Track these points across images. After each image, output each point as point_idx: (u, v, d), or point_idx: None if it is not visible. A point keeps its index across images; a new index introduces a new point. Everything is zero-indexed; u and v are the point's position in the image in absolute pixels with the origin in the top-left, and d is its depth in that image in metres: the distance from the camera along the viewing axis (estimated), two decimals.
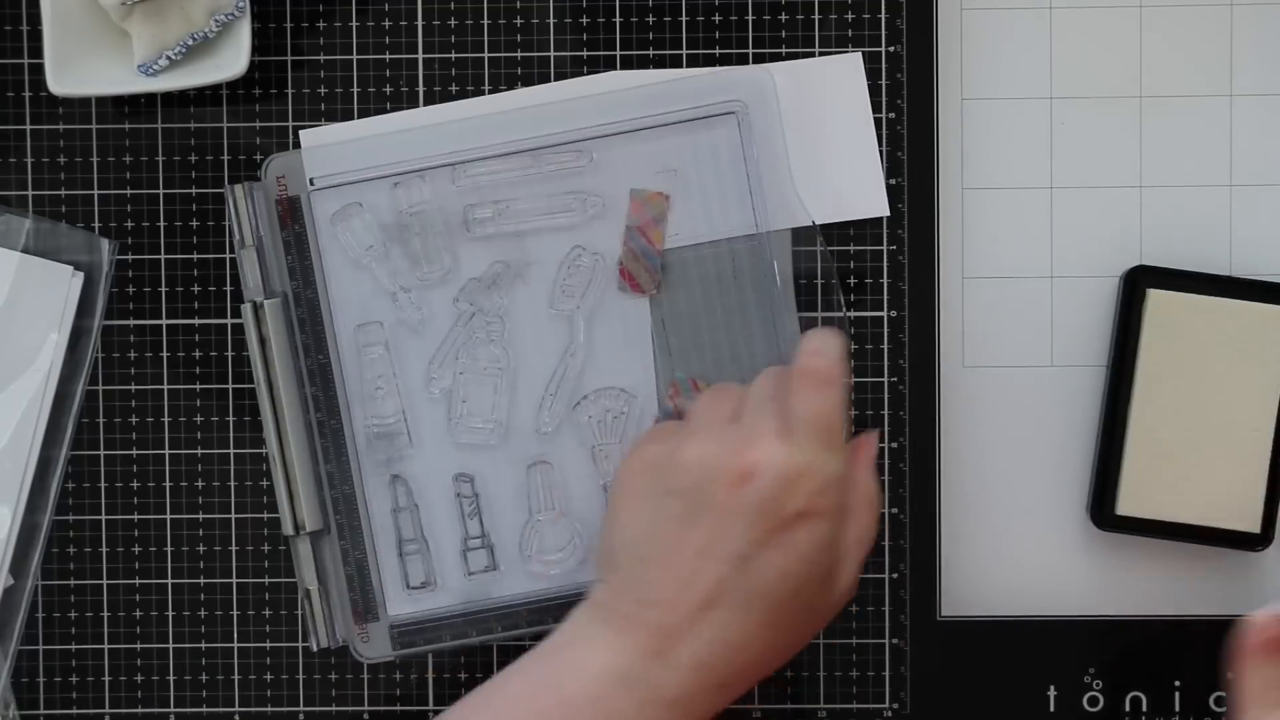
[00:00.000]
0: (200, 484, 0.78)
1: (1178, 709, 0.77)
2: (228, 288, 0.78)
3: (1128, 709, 0.77)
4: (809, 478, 0.64)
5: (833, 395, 0.66)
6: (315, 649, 0.76)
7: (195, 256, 0.78)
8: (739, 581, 0.64)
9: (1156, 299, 0.75)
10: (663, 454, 0.67)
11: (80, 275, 0.77)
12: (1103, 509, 0.76)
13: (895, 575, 0.77)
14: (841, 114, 0.77)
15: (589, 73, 0.78)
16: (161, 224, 0.78)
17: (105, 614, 0.78)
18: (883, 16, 0.77)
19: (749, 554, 0.64)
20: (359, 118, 0.78)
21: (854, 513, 0.67)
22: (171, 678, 0.78)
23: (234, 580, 0.78)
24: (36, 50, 0.77)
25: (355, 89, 0.78)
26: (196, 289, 0.78)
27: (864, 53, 0.77)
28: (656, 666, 0.64)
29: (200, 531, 0.78)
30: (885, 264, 0.77)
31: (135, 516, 0.78)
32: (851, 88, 0.77)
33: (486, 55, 0.78)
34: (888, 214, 0.77)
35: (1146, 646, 0.77)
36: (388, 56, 0.78)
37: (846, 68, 0.77)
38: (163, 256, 0.78)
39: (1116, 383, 0.76)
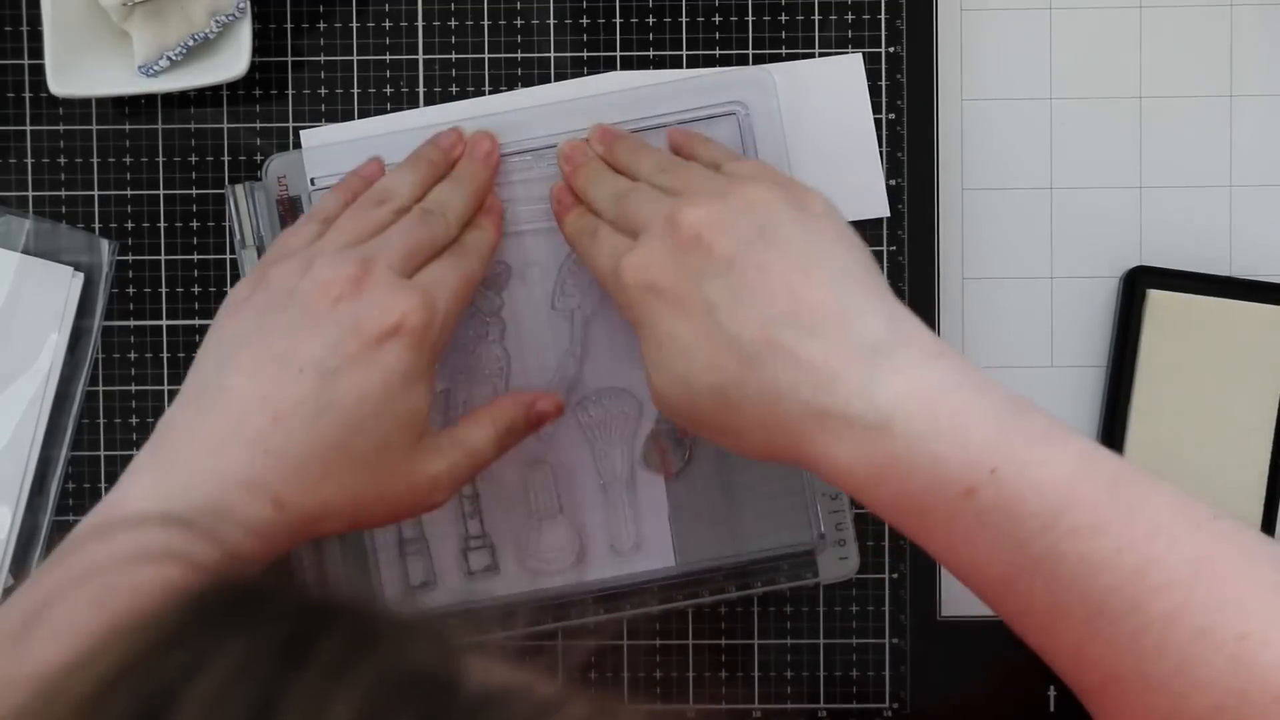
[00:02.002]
0: None
1: None
2: (228, 288, 0.78)
3: None
4: (411, 301, 0.65)
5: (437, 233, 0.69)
6: None
7: (195, 256, 0.78)
8: (314, 391, 0.63)
9: (1156, 299, 0.75)
10: (285, 274, 0.66)
11: (80, 275, 0.77)
12: None
13: (895, 575, 0.77)
14: (841, 114, 0.77)
15: (589, 73, 0.78)
16: (161, 224, 0.78)
17: None
18: (883, 17, 0.77)
19: (330, 362, 0.63)
20: (359, 118, 0.78)
21: (476, 418, 0.68)
22: None
23: None
24: (36, 50, 0.77)
25: (355, 89, 0.78)
26: (196, 289, 0.78)
27: (864, 53, 0.77)
28: (200, 479, 0.62)
29: None
30: (885, 264, 0.77)
31: None
32: (851, 88, 0.77)
33: (486, 55, 0.78)
34: (888, 214, 0.77)
35: None
36: (388, 56, 0.78)
37: (846, 68, 0.77)
38: (163, 257, 0.78)
39: (1116, 383, 0.76)
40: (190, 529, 0.57)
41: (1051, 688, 0.77)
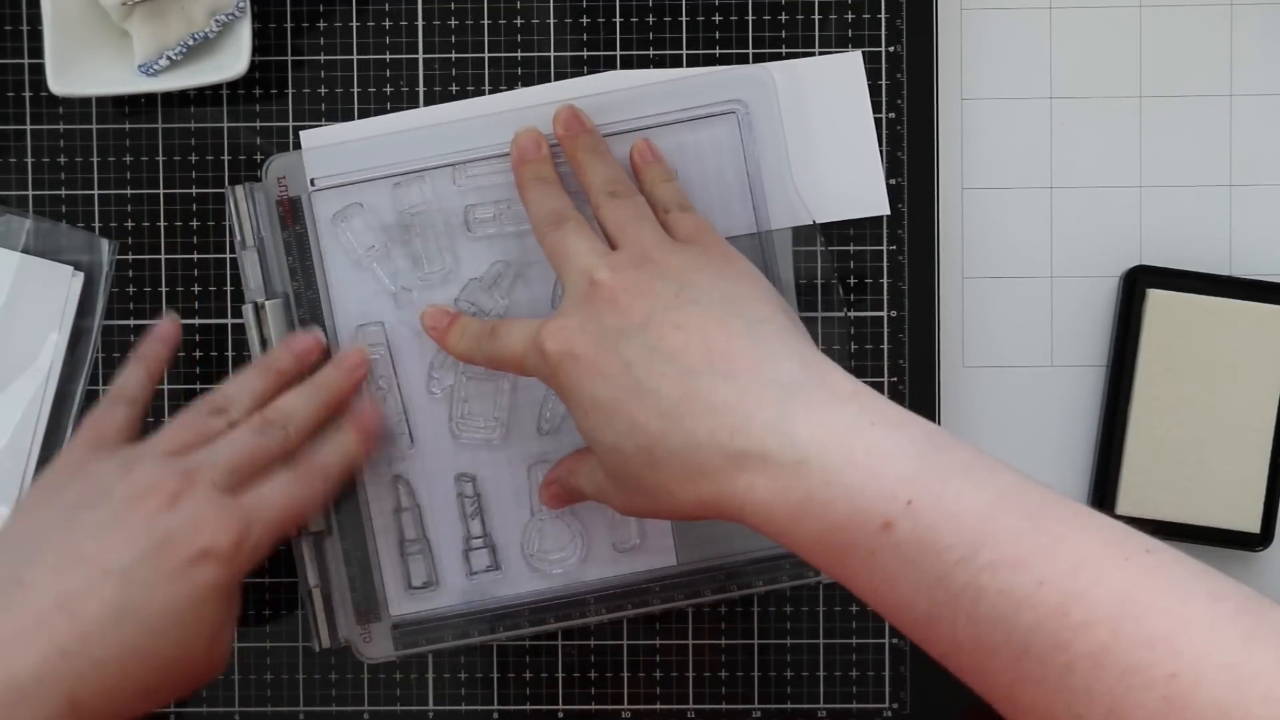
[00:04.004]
0: None
1: None
2: (228, 288, 0.78)
3: None
4: (226, 523, 0.64)
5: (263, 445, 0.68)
6: (318, 649, 0.76)
7: (195, 256, 0.78)
8: (118, 596, 0.62)
9: (1156, 299, 0.75)
10: (103, 473, 0.66)
11: (80, 275, 0.77)
12: (1102, 509, 0.75)
13: None
14: (841, 114, 0.77)
15: (589, 73, 0.78)
16: (161, 224, 0.78)
17: None
18: (883, 16, 0.77)
19: (138, 573, 0.62)
20: (359, 118, 0.78)
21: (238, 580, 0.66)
22: None
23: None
24: (36, 50, 0.77)
25: (355, 89, 0.78)
26: (196, 289, 0.78)
27: (864, 52, 0.77)
28: None
29: None
30: (885, 264, 0.77)
31: None
32: (851, 87, 0.77)
33: (486, 55, 0.78)
34: (888, 214, 0.77)
35: None
36: (388, 56, 0.78)
37: (846, 67, 0.77)
38: (163, 256, 0.78)
39: (1116, 383, 0.76)
40: None
41: None
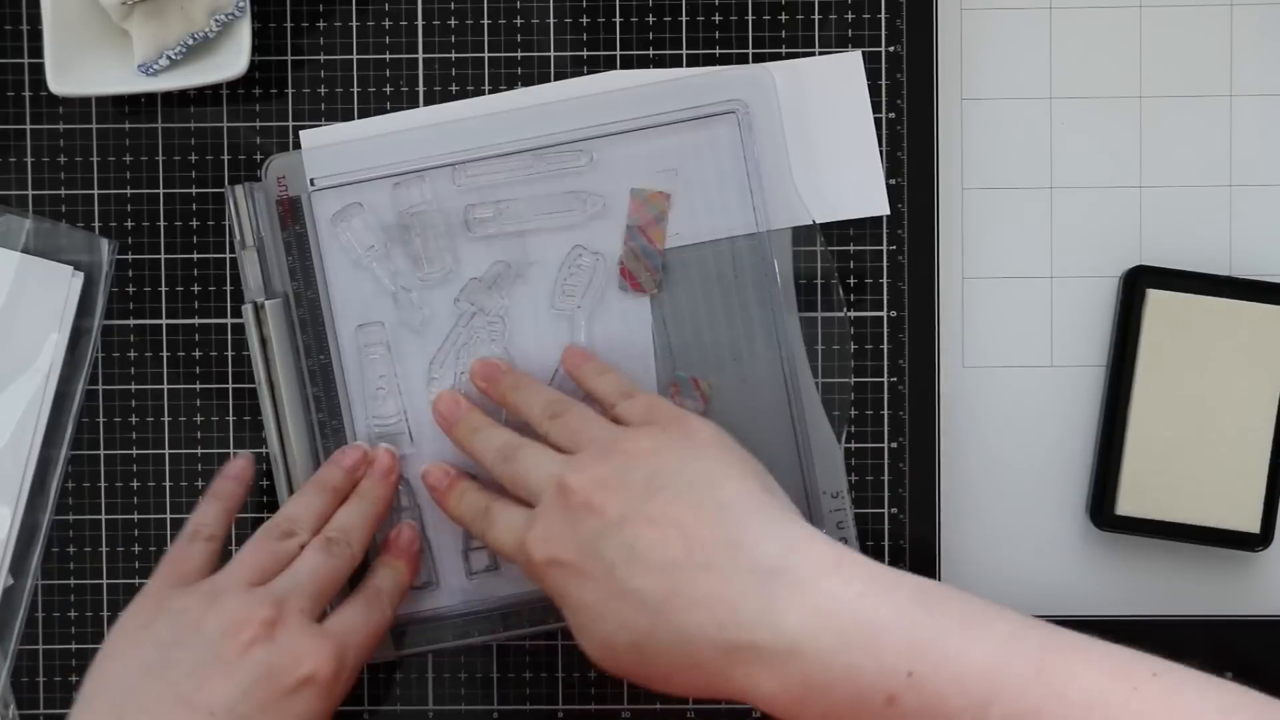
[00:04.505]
0: (200, 484, 0.78)
1: None
2: (228, 288, 0.78)
3: None
4: (324, 651, 0.66)
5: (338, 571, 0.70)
6: None
7: (195, 256, 0.78)
8: None
9: (1156, 299, 0.75)
10: (189, 608, 0.66)
11: (80, 275, 0.77)
12: (1103, 509, 0.76)
13: None
14: (841, 114, 0.77)
15: (589, 73, 0.78)
16: (161, 224, 0.78)
17: (105, 614, 0.78)
18: (883, 16, 0.77)
19: (242, 709, 0.63)
20: (359, 118, 0.78)
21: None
22: None
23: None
24: (36, 50, 0.77)
25: (355, 89, 0.78)
26: (196, 289, 0.78)
27: (864, 52, 0.77)
28: None
29: None
30: (885, 264, 0.77)
31: (135, 516, 0.78)
32: (851, 87, 0.77)
33: (486, 55, 0.78)
34: (888, 214, 0.77)
35: (1146, 646, 0.77)
36: (388, 56, 0.78)
37: (846, 67, 0.77)
38: (163, 256, 0.78)
39: (1116, 383, 0.76)
40: None
41: None
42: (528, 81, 0.78)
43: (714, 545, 0.61)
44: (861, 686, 0.57)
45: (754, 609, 0.59)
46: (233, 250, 0.77)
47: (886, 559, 0.77)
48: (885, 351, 0.77)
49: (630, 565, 0.62)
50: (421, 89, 0.78)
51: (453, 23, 0.78)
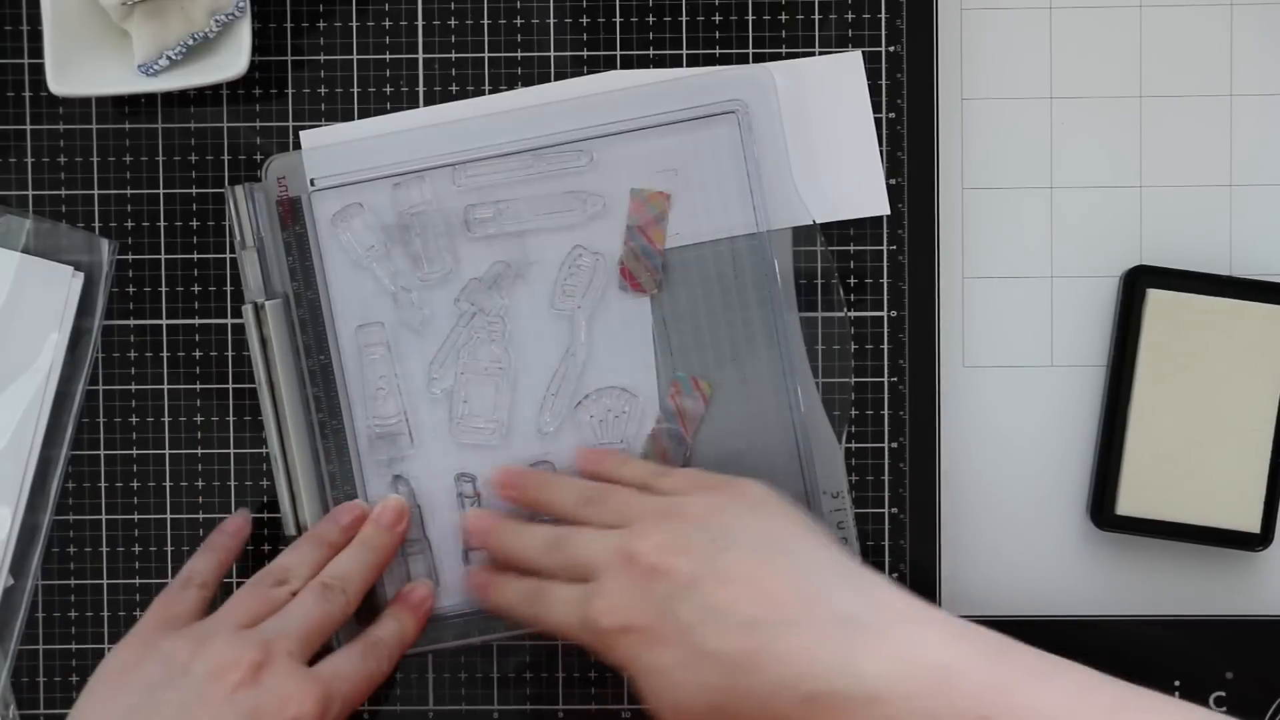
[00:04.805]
0: (200, 484, 0.78)
1: None
2: (228, 288, 0.78)
3: None
4: (310, 695, 0.65)
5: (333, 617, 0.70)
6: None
7: (195, 256, 0.78)
8: None
9: (1156, 299, 0.75)
10: (178, 649, 0.66)
11: (80, 275, 0.77)
12: (1103, 509, 0.76)
13: (895, 575, 0.77)
14: (841, 114, 0.77)
15: (589, 73, 0.78)
16: (161, 224, 0.78)
17: (105, 614, 0.78)
18: (883, 16, 0.77)
19: None
20: (359, 118, 0.78)
21: None
22: None
23: (234, 580, 0.78)
24: (36, 50, 0.77)
25: (355, 89, 0.78)
26: (196, 289, 0.78)
27: (864, 52, 0.77)
28: None
29: (200, 531, 0.78)
30: (885, 264, 0.77)
31: (135, 516, 0.78)
32: (851, 87, 0.77)
33: (486, 55, 0.78)
34: (888, 213, 0.77)
35: (1146, 646, 0.77)
36: (388, 56, 0.78)
37: (846, 67, 0.77)
38: (163, 256, 0.78)
39: (1116, 383, 0.76)
40: None
41: None
42: (528, 81, 0.78)
43: (790, 599, 0.62)
44: None
45: (834, 658, 0.60)
46: (233, 250, 0.77)
47: (887, 559, 0.77)
48: (885, 351, 0.77)
49: (708, 626, 0.62)
50: (421, 89, 0.78)
51: (453, 23, 0.78)
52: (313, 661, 0.69)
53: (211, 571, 0.73)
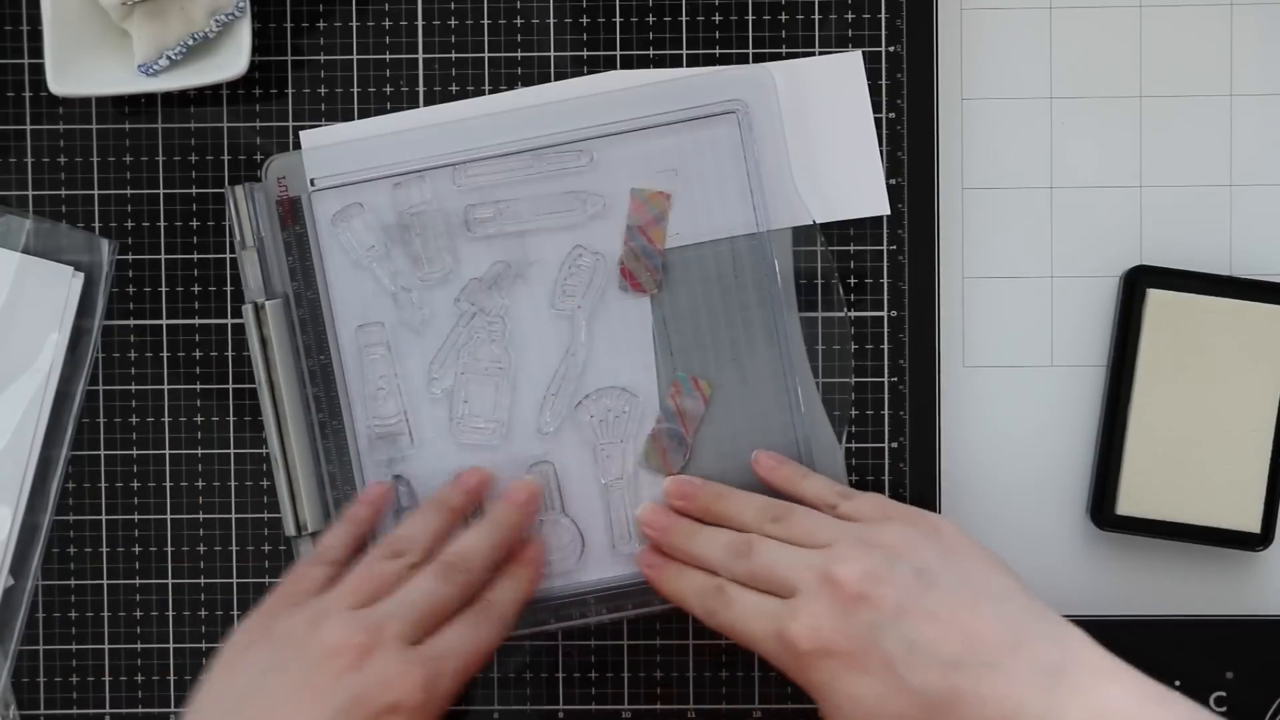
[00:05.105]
0: (200, 484, 0.78)
1: None
2: (228, 288, 0.78)
3: None
4: (413, 677, 0.65)
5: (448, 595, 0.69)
6: None
7: (195, 256, 0.78)
8: None
9: (1156, 299, 0.75)
10: (293, 631, 0.66)
11: (80, 275, 0.77)
12: (1103, 509, 0.76)
13: None
14: (841, 114, 0.77)
15: (589, 73, 0.78)
16: (161, 224, 0.78)
17: (105, 614, 0.78)
18: (883, 16, 0.77)
19: None
20: (359, 118, 0.78)
21: None
22: (171, 678, 0.78)
23: (234, 580, 0.78)
24: (36, 50, 0.77)
25: (355, 89, 0.78)
26: (196, 289, 0.78)
27: (864, 52, 0.77)
28: None
29: (200, 531, 0.78)
30: (885, 264, 0.77)
31: (135, 516, 0.78)
32: (851, 87, 0.77)
33: (486, 55, 0.78)
34: (888, 214, 0.77)
35: (1146, 646, 0.77)
36: (388, 56, 0.78)
37: (846, 67, 0.77)
38: (163, 256, 0.78)
39: (1116, 383, 0.76)
40: None
41: None
42: (528, 81, 0.78)
43: (995, 643, 0.62)
44: None
45: (1038, 708, 0.60)
46: (233, 250, 0.77)
47: None
48: (885, 351, 0.77)
49: (912, 661, 0.62)
50: (421, 89, 0.78)
51: (453, 23, 0.78)
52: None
53: (344, 547, 0.72)
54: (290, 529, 0.76)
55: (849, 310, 0.77)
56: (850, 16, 0.77)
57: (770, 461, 0.74)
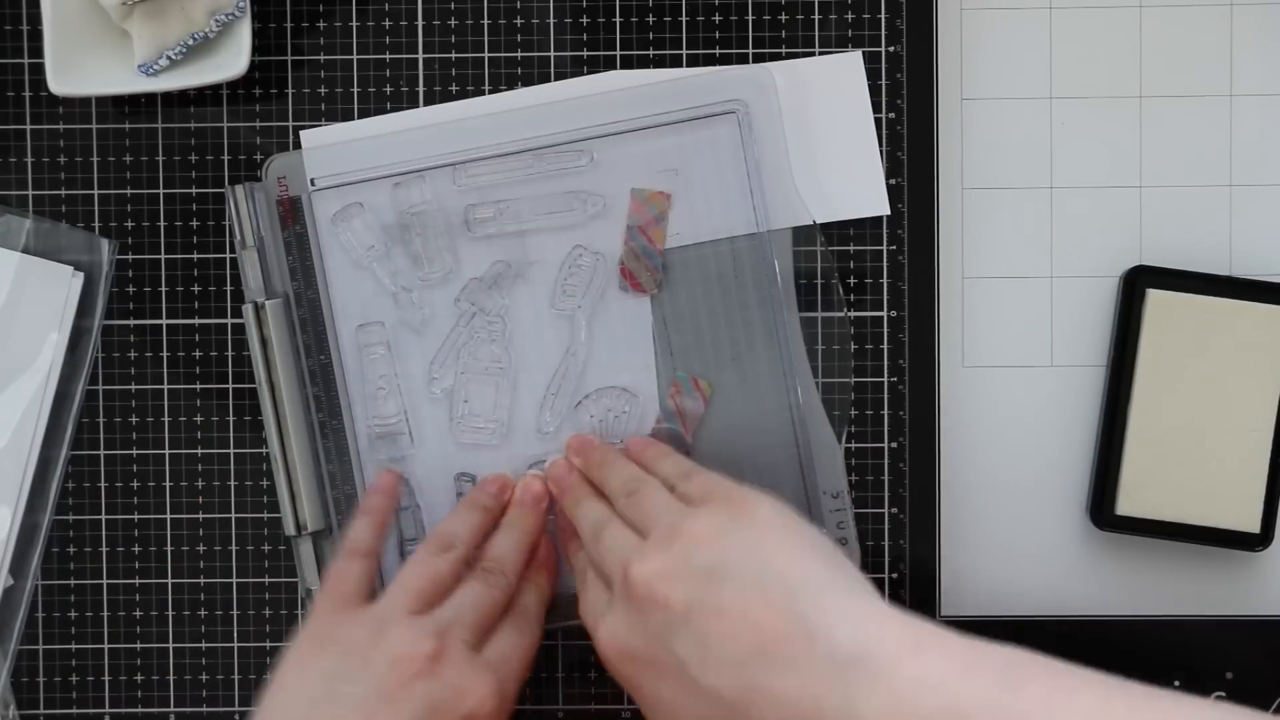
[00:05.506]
0: (200, 484, 0.78)
1: None
2: (228, 288, 0.78)
3: None
4: (487, 685, 0.65)
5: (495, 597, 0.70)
6: None
7: (195, 256, 0.78)
8: None
9: (1156, 299, 0.75)
10: (356, 639, 0.66)
11: (80, 275, 0.77)
12: (1103, 509, 0.76)
13: (895, 575, 0.77)
14: (841, 114, 0.77)
15: (589, 73, 0.78)
16: (161, 224, 0.78)
17: (105, 614, 0.78)
18: (883, 16, 0.77)
19: None
20: (359, 118, 0.78)
21: None
22: (171, 678, 0.78)
23: (234, 580, 0.78)
24: (36, 50, 0.77)
25: (355, 89, 0.78)
26: (196, 289, 0.78)
27: (864, 52, 0.77)
28: None
29: (200, 531, 0.78)
30: (885, 264, 0.77)
31: (135, 516, 0.78)
32: (851, 87, 0.77)
33: (486, 55, 0.78)
34: (888, 214, 0.77)
35: (1146, 646, 0.77)
36: (388, 56, 0.78)
37: (846, 67, 0.77)
38: (163, 256, 0.78)
39: (1116, 383, 0.76)
40: None
41: None
42: (528, 81, 0.78)
43: (787, 637, 0.59)
44: None
45: (834, 702, 0.57)
46: (233, 250, 0.77)
47: (886, 559, 0.77)
48: (885, 351, 0.77)
49: (704, 663, 0.61)
50: (421, 89, 0.78)
51: (453, 23, 0.78)
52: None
53: (372, 538, 0.72)
54: (290, 529, 0.76)
55: (849, 310, 0.77)
56: (850, 16, 0.77)
57: (638, 445, 0.74)
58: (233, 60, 0.75)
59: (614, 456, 0.73)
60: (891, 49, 0.77)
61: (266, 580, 0.78)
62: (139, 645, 0.78)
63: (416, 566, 0.70)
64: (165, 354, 0.78)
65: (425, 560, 0.70)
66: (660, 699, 0.63)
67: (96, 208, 0.78)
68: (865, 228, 0.77)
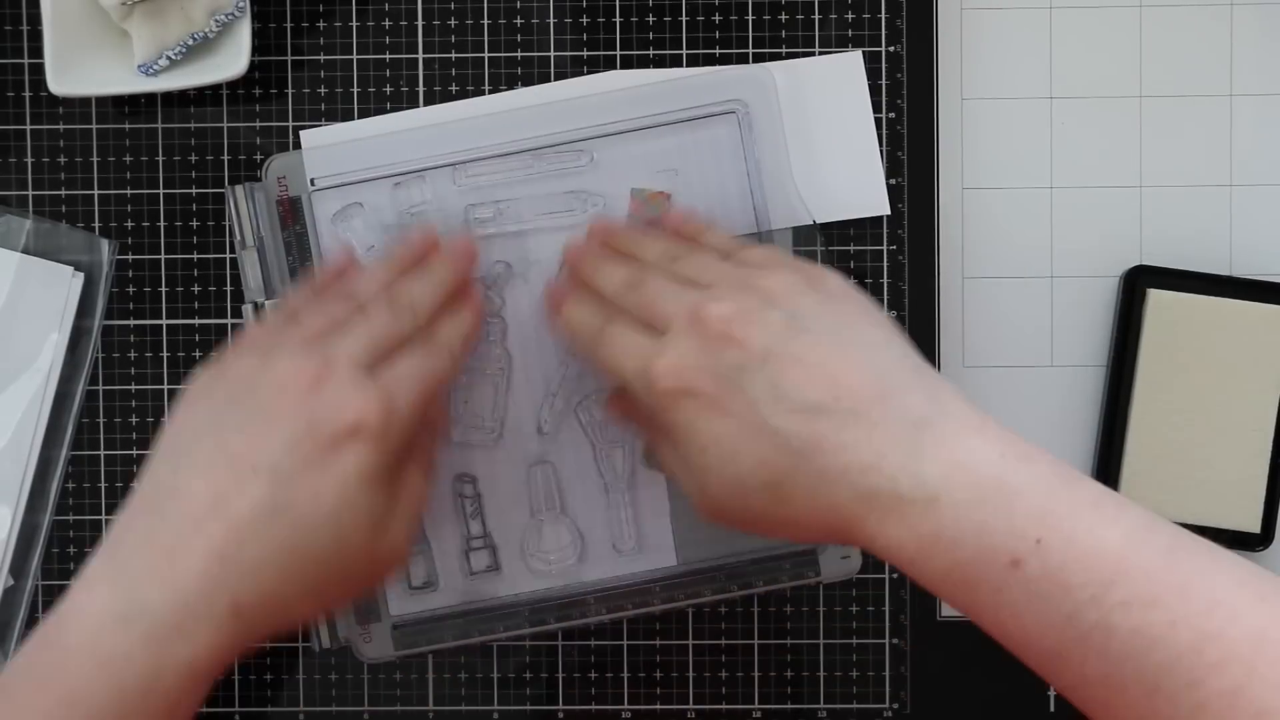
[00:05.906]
0: None
1: None
2: (228, 288, 0.78)
3: None
4: (370, 399, 0.63)
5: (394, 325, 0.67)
6: (318, 649, 0.76)
7: (195, 256, 0.78)
8: (269, 494, 0.61)
9: (1156, 299, 0.75)
10: (245, 368, 0.65)
11: (80, 275, 0.77)
12: None
13: (895, 575, 0.77)
14: (841, 114, 0.77)
15: (589, 73, 0.78)
16: (161, 224, 0.78)
17: None
18: (883, 16, 0.77)
19: (285, 465, 0.61)
20: (359, 118, 0.78)
21: (414, 461, 0.66)
22: None
23: None
24: (36, 50, 0.77)
25: (355, 89, 0.78)
26: (196, 289, 0.78)
27: (864, 52, 0.77)
28: (156, 590, 0.59)
29: None
30: (885, 264, 0.77)
31: None
32: (851, 87, 0.77)
33: (486, 55, 0.78)
34: (888, 214, 0.77)
35: None
36: (388, 56, 0.78)
37: (846, 67, 0.77)
38: (163, 256, 0.78)
39: (1116, 383, 0.76)
40: (148, 638, 0.58)
41: (1051, 688, 0.77)
42: (528, 81, 0.78)
43: (860, 391, 0.60)
44: (990, 545, 0.56)
45: (899, 457, 0.58)
46: (233, 250, 0.77)
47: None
48: None
49: (775, 403, 0.60)
50: (421, 89, 0.78)
51: (453, 23, 0.78)
52: None
53: (304, 301, 0.70)
54: None
55: None
56: (850, 16, 0.77)
57: (677, 217, 0.73)
58: (233, 60, 0.75)
59: (646, 233, 0.72)
60: (891, 49, 0.77)
61: None
62: None
63: (314, 309, 0.68)
64: (165, 354, 0.78)
65: (323, 306, 0.68)
66: (719, 439, 0.61)
67: (96, 208, 0.78)
68: (865, 228, 0.77)
